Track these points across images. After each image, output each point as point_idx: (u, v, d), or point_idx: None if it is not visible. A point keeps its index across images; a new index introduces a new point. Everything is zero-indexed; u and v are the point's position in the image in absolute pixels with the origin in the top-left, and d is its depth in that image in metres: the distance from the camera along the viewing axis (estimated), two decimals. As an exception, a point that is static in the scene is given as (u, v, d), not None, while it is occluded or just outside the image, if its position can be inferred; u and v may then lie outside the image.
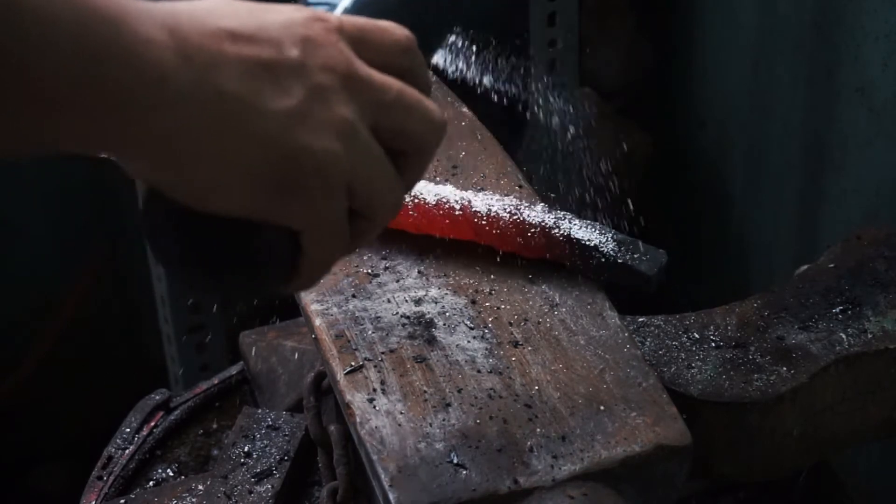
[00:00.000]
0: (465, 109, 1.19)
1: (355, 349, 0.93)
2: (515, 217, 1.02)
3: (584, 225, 1.02)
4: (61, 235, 2.20)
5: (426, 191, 1.04)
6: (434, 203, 1.03)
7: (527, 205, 1.03)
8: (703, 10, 2.11)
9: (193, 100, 0.67)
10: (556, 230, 1.01)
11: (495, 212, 1.02)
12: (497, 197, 1.04)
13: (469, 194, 1.04)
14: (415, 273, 1.01)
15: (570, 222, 1.02)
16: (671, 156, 2.24)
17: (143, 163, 0.69)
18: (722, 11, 2.06)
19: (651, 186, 2.27)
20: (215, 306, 1.95)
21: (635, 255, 1.01)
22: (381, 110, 0.74)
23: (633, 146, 2.24)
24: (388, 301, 0.98)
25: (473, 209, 1.03)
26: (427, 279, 1.00)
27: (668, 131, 2.24)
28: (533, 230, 1.01)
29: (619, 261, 1.00)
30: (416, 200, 1.04)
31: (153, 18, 0.66)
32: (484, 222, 1.02)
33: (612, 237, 1.02)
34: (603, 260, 1.00)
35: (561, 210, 1.04)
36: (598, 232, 1.02)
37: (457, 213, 1.03)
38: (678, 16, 2.17)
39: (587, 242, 1.00)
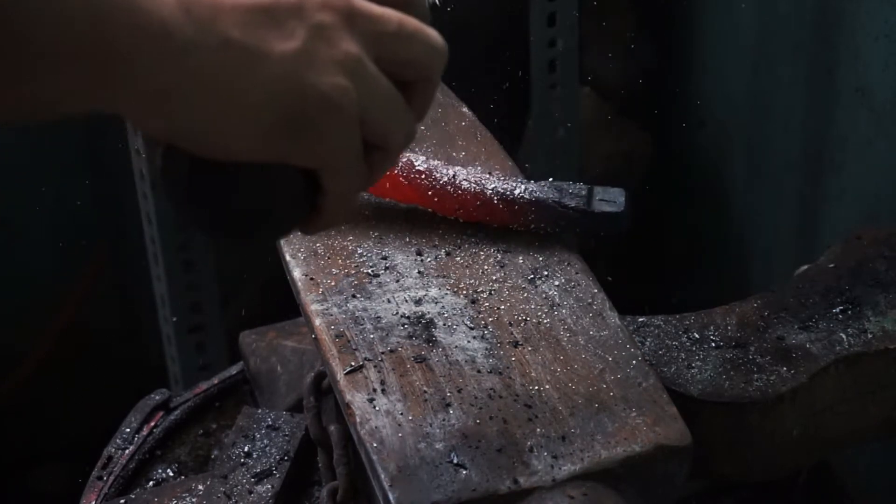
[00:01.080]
0: (465, 109, 1.19)
1: (355, 349, 0.93)
2: (476, 187, 1.03)
3: (540, 186, 1.04)
4: (61, 235, 2.20)
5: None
6: (404, 171, 1.05)
7: (487, 175, 1.05)
8: (703, 10, 2.11)
9: (198, 50, 0.68)
10: (515, 196, 1.03)
11: (459, 181, 1.04)
12: (460, 168, 1.06)
13: (436, 163, 1.06)
14: (415, 273, 1.01)
15: (524, 185, 1.04)
16: (671, 156, 2.24)
17: (154, 118, 0.70)
18: (722, 11, 2.06)
19: (651, 186, 2.27)
20: (215, 306, 1.95)
21: (597, 199, 1.03)
22: (384, 42, 0.75)
23: (633, 146, 2.25)
24: (388, 301, 0.98)
25: (435, 176, 1.04)
26: (427, 279, 1.00)
27: (668, 131, 2.24)
28: (496, 199, 1.03)
29: (584, 209, 1.02)
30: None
31: None
32: (448, 190, 1.04)
33: (569, 190, 1.03)
34: (569, 212, 1.02)
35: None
36: (554, 189, 1.03)
37: (420, 180, 1.04)
38: (678, 16, 2.17)
39: (547, 201, 1.02)
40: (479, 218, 1.04)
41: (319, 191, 0.77)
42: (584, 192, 1.04)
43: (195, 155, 0.73)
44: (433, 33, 0.78)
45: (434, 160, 1.07)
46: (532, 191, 1.03)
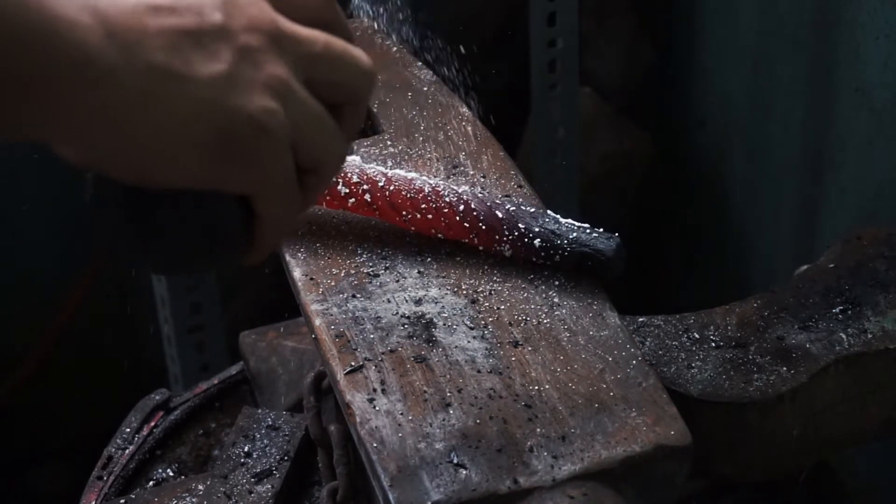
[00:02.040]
0: (464, 109, 1.19)
1: (355, 349, 0.93)
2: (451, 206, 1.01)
3: (536, 218, 1.00)
4: (61, 235, 2.20)
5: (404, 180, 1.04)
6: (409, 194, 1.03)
7: (472, 194, 1.02)
8: (703, 10, 2.11)
9: (121, 77, 0.67)
10: (511, 228, 1.00)
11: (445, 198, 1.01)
12: (450, 187, 1.03)
13: (435, 181, 1.04)
14: (415, 273, 1.01)
15: (524, 219, 1.00)
16: (671, 156, 2.24)
17: (79, 146, 0.69)
18: (722, 11, 2.06)
19: (651, 186, 2.27)
20: (215, 305, 1.95)
21: (593, 237, 0.99)
22: (312, 64, 0.74)
23: (633, 146, 2.25)
24: (388, 301, 0.98)
25: (429, 197, 1.02)
26: (427, 279, 1.00)
27: (668, 131, 2.24)
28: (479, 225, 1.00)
29: (578, 250, 0.98)
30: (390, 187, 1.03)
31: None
32: (431, 215, 1.02)
33: (567, 228, 1.00)
34: (563, 253, 0.99)
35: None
36: (551, 223, 1.00)
37: (422, 205, 1.03)
38: (678, 16, 2.17)
39: (547, 240, 0.99)
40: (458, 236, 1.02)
41: (254, 218, 0.76)
42: (573, 234, 0.99)
43: (126, 184, 0.71)
44: (360, 54, 0.77)
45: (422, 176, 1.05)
46: (523, 228, 1.00)
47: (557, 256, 0.99)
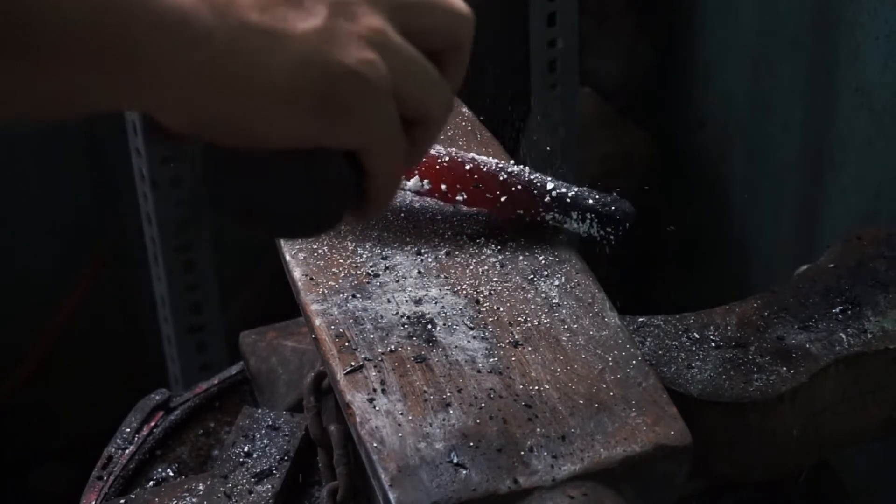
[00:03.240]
0: (465, 109, 1.19)
1: (355, 349, 0.93)
2: (497, 172, 1.04)
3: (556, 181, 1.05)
4: (61, 235, 2.20)
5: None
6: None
7: (504, 164, 1.06)
8: (703, 11, 2.11)
9: (218, 37, 0.67)
10: (535, 188, 1.04)
11: (479, 164, 1.04)
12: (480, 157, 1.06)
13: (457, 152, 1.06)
14: (415, 273, 1.01)
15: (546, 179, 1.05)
16: (671, 156, 2.24)
17: (180, 111, 0.69)
18: (722, 11, 2.06)
19: (651, 186, 2.27)
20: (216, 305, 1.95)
21: (608, 199, 1.05)
22: (406, 12, 0.74)
23: (633, 146, 2.25)
24: (388, 301, 0.98)
25: (457, 158, 1.05)
26: (427, 279, 1.00)
27: (667, 131, 2.24)
28: (515, 185, 1.03)
29: (599, 208, 1.03)
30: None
31: None
32: (468, 169, 1.04)
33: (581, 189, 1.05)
34: (582, 208, 1.03)
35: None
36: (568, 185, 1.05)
37: (444, 161, 1.05)
38: (678, 16, 2.17)
39: (566, 195, 1.03)
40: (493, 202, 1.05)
41: (365, 175, 0.75)
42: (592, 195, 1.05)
43: (233, 152, 0.71)
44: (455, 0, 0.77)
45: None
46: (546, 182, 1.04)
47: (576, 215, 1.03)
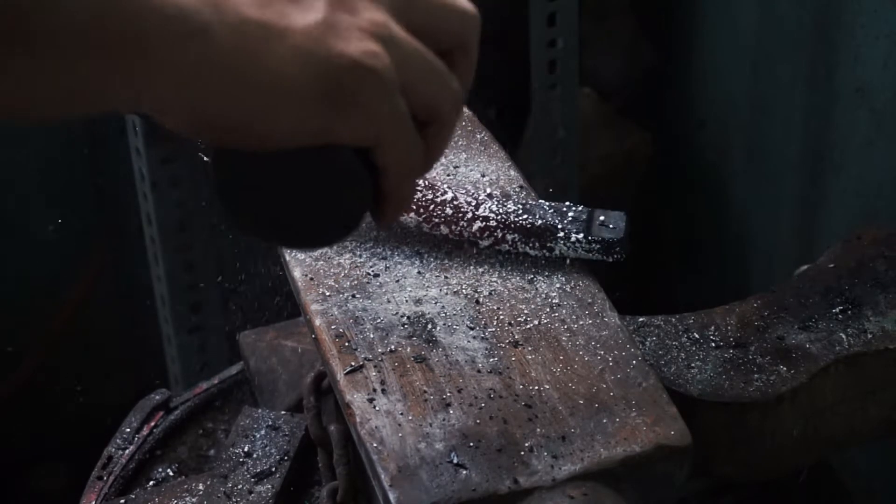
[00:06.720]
0: (464, 109, 1.19)
1: (355, 349, 0.93)
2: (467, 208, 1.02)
3: (538, 207, 1.02)
4: (61, 235, 2.20)
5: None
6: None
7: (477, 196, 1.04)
8: (703, 11, 2.11)
9: (215, 32, 0.67)
10: (509, 220, 1.01)
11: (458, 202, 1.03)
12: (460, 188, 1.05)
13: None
14: (415, 273, 1.01)
15: (520, 208, 1.02)
16: (671, 156, 2.24)
17: (180, 110, 0.68)
18: (722, 12, 2.06)
19: (651, 186, 2.27)
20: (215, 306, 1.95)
21: (597, 224, 1.01)
22: (409, 8, 0.73)
23: (633, 146, 2.25)
24: (388, 301, 0.98)
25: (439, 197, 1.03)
26: (427, 279, 1.00)
27: (667, 131, 2.24)
28: (481, 221, 1.01)
29: (586, 238, 1.00)
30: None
31: None
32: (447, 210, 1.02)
33: (569, 214, 1.01)
34: (571, 241, 1.00)
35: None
36: (554, 212, 1.02)
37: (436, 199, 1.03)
38: (678, 16, 2.17)
39: (549, 226, 1.01)
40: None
41: (379, 172, 0.74)
42: (584, 217, 1.02)
43: (243, 160, 0.71)
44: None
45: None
46: (528, 218, 1.01)
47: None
